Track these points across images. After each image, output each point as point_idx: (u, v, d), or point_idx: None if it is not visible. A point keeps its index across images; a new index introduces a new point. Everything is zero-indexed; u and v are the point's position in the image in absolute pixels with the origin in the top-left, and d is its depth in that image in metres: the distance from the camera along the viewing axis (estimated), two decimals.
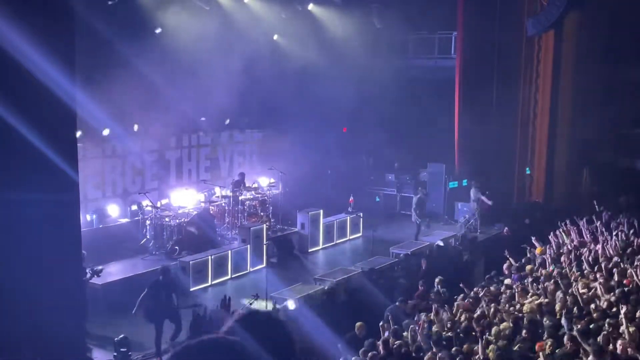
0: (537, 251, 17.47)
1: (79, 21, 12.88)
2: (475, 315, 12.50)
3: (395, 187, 25.53)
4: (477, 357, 10.50)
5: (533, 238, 17.95)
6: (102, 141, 18.80)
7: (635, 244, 16.90)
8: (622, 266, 15.00)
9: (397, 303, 13.98)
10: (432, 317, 12.62)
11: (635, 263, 14.77)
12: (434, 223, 22.99)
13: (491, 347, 10.59)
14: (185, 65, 19.21)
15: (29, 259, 9.65)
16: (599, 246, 16.68)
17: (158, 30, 19.34)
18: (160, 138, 20.79)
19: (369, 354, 10.46)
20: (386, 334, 12.06)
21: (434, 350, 10.84)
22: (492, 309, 12.59)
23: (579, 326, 10.95)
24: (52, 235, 10.23)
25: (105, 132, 18.62)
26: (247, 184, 20.81)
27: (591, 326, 11.17)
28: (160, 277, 13.48)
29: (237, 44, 20.41)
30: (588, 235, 18.11)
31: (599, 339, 10.29)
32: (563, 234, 18.50)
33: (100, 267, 14.50)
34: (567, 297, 12.99)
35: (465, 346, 10.97)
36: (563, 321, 11.22)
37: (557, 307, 12.45)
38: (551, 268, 15.39)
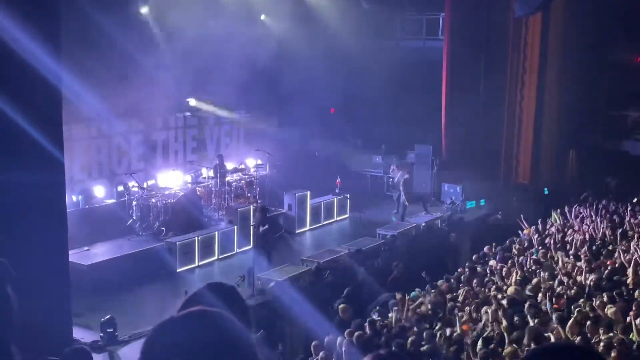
0: (526, 232, 17.59)
1: (65, 1, 12.76)
2: (458, 297, 12.63)
3: (382, 168, 25.56)
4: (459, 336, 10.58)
5: (519, 219, 18.06)
6: (88, 122, 18.65)
7: (621, 225, 17.07)
8: (607, 248, 15.15)
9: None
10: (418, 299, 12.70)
11: (621, 245, 14.92)
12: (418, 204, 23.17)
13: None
14: (172, 45, 19.07)
15: (14, 240, 9.61)
16: (585, 228, 16.82)
17: (144, 10, 19.26)
18: (146, 119, 20.67)
19: (355, 334, 10.52)
20: (374, 315, 12.14)
21: (417, 329, 10.94)
22: (473, 291, 12.71)
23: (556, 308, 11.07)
24: (38, 216, 10.19)
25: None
26: (228, 166, 20.71)
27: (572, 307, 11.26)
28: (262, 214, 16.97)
29: (224, 24, 20.26)
30: (573, 218, 18.25)
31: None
32: (555, 216, 18.63)
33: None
34: (551, 278, 13.12)
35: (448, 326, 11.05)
36: (545, 303, 11.31)
37: (540, 288, 12.55)
38: (532, 251, 15.50)
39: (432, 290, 13.11)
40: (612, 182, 23.56)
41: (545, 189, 24.94)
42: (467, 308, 11.82)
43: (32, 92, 10.06)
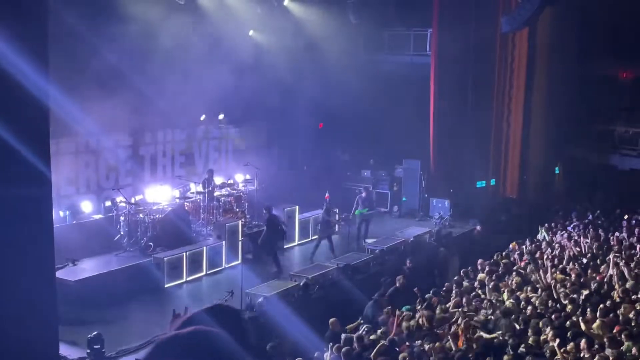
0: (512, 246, 17.63)
1: (52, 14, 12.72)
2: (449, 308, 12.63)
3: (371, 183, 25.56)
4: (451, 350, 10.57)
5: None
6: (75, 137, 18.59)
7: (608, 240, 17.13)
8: (596, 262, 15.20)
9: (375, 297, 14.06)
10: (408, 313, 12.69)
11: (608, 258, 14.97)
12: (412, 219, 23.31)
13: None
14: (161, 60, 19.05)
15: None
16: (572, 243, 16.87)
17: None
18: (134, 134, 20.61)
19: (343, 349, 10.47)
20: (362, 329, 12.10)
21: (408, 343, 10.92)
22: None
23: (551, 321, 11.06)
24: (24, 232, 10.09)
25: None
26: (217, 181, 20.65)
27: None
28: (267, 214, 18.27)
29: (213, 39, 20.28)
30: (560, 233, 18.30)
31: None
32: (543, 231, 18.68)
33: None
34: (539, 292, 13.15)
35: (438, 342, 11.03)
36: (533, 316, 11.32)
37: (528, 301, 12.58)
38: (523, 264, 15.53)
39: (423, 305, 13.11)
40: (598, 196, 23.66)
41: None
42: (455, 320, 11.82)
43: (18, 106, 10.00)
